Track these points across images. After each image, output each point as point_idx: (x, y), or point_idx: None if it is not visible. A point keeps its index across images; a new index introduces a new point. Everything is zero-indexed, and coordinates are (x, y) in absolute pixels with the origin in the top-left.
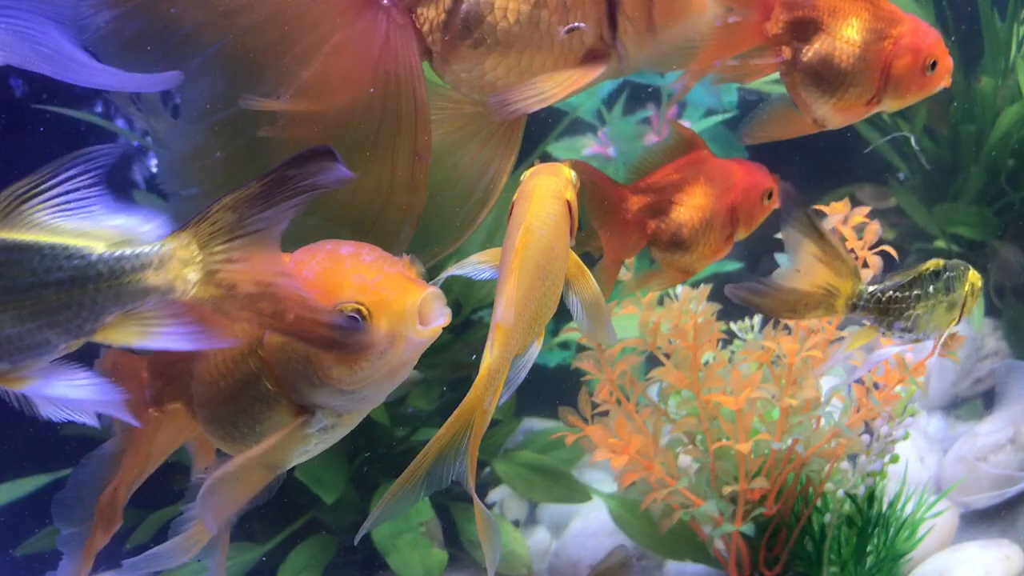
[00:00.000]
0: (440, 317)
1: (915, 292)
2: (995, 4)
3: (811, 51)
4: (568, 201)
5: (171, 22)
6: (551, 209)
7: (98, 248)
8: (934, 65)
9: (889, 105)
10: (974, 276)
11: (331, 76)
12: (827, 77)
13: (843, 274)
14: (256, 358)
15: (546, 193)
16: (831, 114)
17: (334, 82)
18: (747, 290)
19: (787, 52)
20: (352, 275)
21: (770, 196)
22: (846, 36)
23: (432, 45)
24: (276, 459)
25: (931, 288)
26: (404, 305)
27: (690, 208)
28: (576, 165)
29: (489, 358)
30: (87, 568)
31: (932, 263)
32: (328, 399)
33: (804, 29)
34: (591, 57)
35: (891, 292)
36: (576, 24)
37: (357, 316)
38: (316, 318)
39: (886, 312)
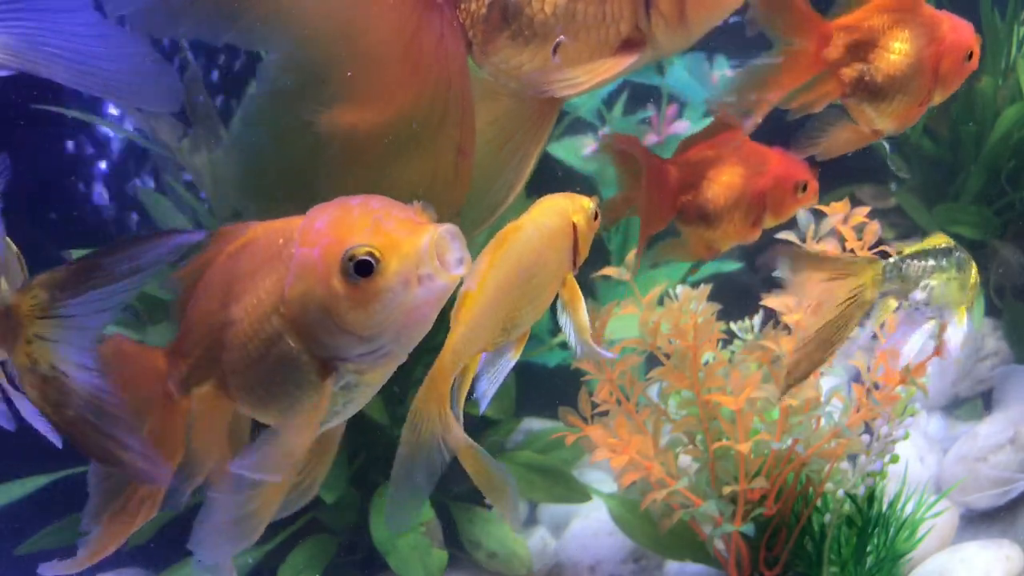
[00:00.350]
0: (459, 264)
1: (930, 262)
2: (995, 4)
3: (872, 69)
4: (574, 223)
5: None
6: (549, 221)
7: None
8: (971, 55)
9: (936, 100)
10: (975, 268)
11: (391, 75)
12: (889, 90)
13: (856, 271)
14: (278, 315)
15: (550, 208)
16: (891, 122)
17: (394, 81)
18: (798, 366)
19: (848, 74)
20: (361, 220)
21: (804, 189)
22: (900, 48)
23: (472, 37)
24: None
25: (944, 262)
26: (415, 245)
27: (719, 184)
28: (617, 137)
29: (453, 337)
30: (114, 546)
31: (942, 239)
32: (348, 349)
33: (861, 49)
34: (626, 46)
35: (908, 259)
36: (559, 39)
37: (370, 259)
38: (100, 426)
39: (905, 280)
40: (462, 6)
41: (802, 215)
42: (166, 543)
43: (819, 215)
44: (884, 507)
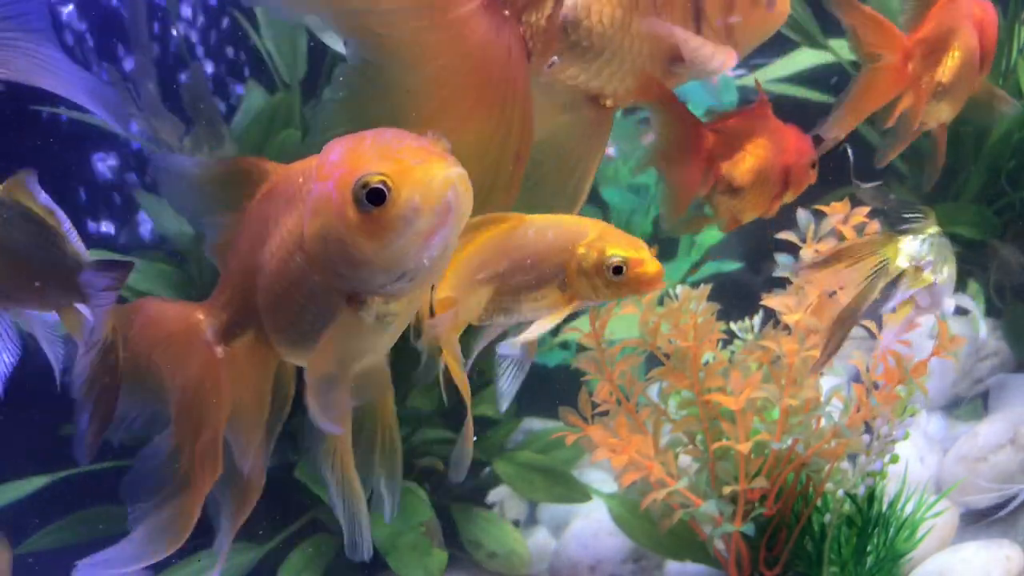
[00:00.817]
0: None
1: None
2: (996, 4)
3: (944, 71)
4: (570, 253)
5: None
6: (532, 232)
7: None
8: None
9: (984, 75)
10: None
11: (461, 89)
12: (957, 85)
13: (877, 249)
14: (301, 252)
15: (549, 221)
16: (953, 112)
17: (464, 96)
18: (830, 343)
19: (927, 82)
20: (373, 150)
21: (813, 166)
22: (963, 44)
23: (533, 48)
24: (343, 353)
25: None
26: (428, 173)
27: (752, 156)
28: (658, 87)
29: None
30: (197, 509)
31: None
32: (369, 280)
33: (937, 53)
34: (676, 60)
35: (936, 237)
36: (553, 59)
37: (382, 187)
38: None
39: (936, 255)
40: (524, 18)
41: (802, 215)
42: None
43: (819, 215)
44: (884, 507)
